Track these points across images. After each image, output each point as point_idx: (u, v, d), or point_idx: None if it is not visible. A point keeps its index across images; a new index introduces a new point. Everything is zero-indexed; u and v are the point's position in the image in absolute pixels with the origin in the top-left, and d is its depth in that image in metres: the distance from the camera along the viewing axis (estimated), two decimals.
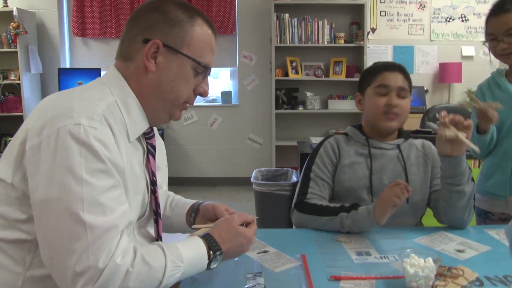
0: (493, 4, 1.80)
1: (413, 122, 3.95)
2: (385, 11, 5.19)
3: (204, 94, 1.16)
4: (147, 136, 1.14)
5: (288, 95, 5.11)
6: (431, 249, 1.40)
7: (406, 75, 1.71)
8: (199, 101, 5.50)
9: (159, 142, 1.26)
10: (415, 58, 5.26)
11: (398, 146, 1.74)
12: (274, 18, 4.83)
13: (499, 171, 1.84)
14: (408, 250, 1.20)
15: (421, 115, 4.09)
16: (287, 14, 4.86)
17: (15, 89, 5.07)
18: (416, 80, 5.26)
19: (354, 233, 1.53)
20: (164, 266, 0.97)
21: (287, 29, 4.89)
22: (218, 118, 5.37)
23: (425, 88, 5.26)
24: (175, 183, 5.44)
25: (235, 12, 5.22)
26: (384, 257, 1.35)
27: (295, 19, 4.88)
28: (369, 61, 5.06)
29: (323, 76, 5.05)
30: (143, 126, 1.11)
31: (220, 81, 5.76)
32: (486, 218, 1.92)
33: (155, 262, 0.96)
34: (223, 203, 1.33)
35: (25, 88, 5.03)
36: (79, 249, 0.88)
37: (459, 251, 1.39)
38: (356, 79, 4.93)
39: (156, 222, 1.18)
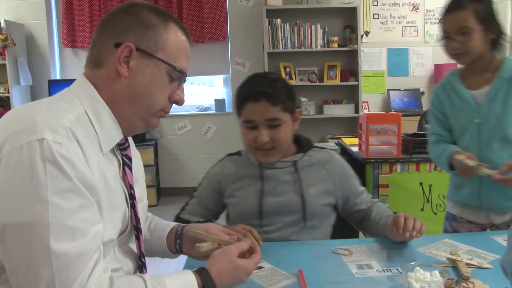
0: (448, 0, 1.72)
1: (410, 125, 3.89)
2: (378, 14, 5.14)
3: (179, 102, 1.09)
4: (122, 147, 1.07)
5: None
6: (436, 259, 1.32)
7: (275, 100, 1.47)
8: (192, 110, 5.43)
9: (135, 153, 1.18)
10: (410, 60, 5.21)
11: (294, 164, 1.61)
12: (266, 23, 4.76)
13: (468, 183, 1.76)
14: (413, 263, 1.11)
15: (418, 117, 4.03)
16: (279, 20, 4.80)
17: (5, 103, 4.97)
18: (411, 82, 5.22)
19: (353, 244, 1.45)
20: None
21: (280, 35, 4.82)
22: (212, 127, 5.29)
23: (421, 90, 5.20)
24: (169, 193, 5.36)
25: (227, 19, 5.16)
26: (386, 270, 1.27)
27: (287, 24, 4.82)
28: (363, 65, 5.01)
29: (317, 81, 4.99)
30: (117, 136, 1.03)
31: (214, 89, 5.68)
32: (453, 220, 1.88)
33: None
34: (208, 223, 1.26)
35: (15, 101, 4.93)
36: (46, 276, 0.81)
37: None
38: (352, 83, 4.89)
39: (137, 238, 1.10)
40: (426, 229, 1.39)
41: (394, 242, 1.45)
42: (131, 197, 1.07)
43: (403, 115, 2.93)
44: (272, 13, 4.82)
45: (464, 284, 1.11)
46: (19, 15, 5.13)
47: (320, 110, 5.12)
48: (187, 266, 1.30)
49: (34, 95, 5.25)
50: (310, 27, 4.83)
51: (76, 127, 0.90)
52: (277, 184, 1.58)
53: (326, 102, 5.10)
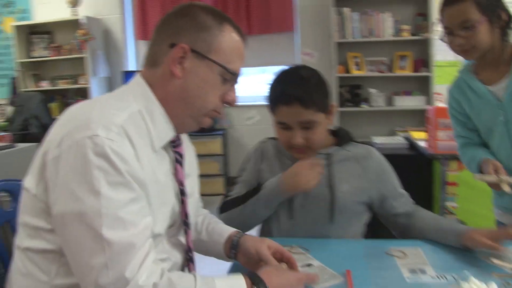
0: None
1: None
2: None
3: (232, 102, 1.10)
4: (174, 144, 1.11)
5: (351, 92, 4.93)
6: (499, 269, 1.22)
7: (308, 102, 1.41)
8: (260, 100, 5.45)
9: (188, 149, 1.22)
10: None
11: (328, 157, 1.54)
12: (334, 13, 4.67)
13: None
14: (466, 271, 1.05)
15: None
16: (347, 9, 4.68)
17: (84, 93, 5.29)
18: None
19: (408, 246, 1.40)
20: None
21: (348, 24, 4.70)
22: None
23: None
24: None
25: (294, 9, 5.11)
26: (441, 276, 1.21)
27: (356, 13, 4.69)
28: (437, 54, 4.77)
29: (387, 72, 4.82)
30: (169, 134, 1.07)
31: None
32: None
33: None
34: (263, 238, 1.27)
35: (94, 91, 5.24)
36: (97, 266, 0.86)
37: None
38: (424, 73, 4.68)
39: (186, 232, 1.14)
40: None
41: (453, 246, 1.38)
42: (182, 193, 1.11)
43: None
44: (341, 2, 4.71)
45: None
46: (97, 11, 5.41)
47: (390, 102, 4.95)
48: (235, 263, 1.32)
49: (110, 85, 5.54)
50: (380, 16, 4.66)
51: (129, 125, 0.95)
52: None
53: (396, 93, 4.93)
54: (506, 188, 1.43)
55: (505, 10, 1.52)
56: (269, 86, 1.52)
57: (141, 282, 0.87)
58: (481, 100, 1.62)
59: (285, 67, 1.54)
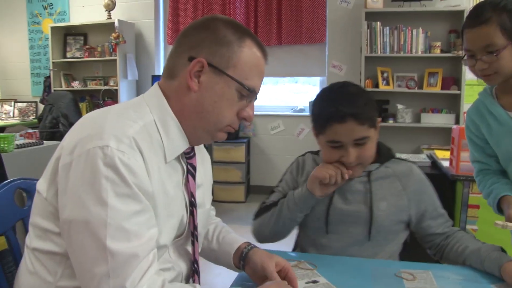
0: (469, 11, 1.46)
1: None
2: None
3: (248, 119, 1.09)
4: (187, 156, 1.11)
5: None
6: None
7: (362, 119, 1.39)
8: (286, 110, 5.45)
9: (205, 158, 1.24)
10: None
11: (369, 174, 1.52)
12: (364, 26, 4.64)
13: None
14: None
15: None
16: (378, 23, 4.64)
17: (113, 95, 5.40)
18: None
19: (419, 269, 1.37)
20: None
21: (378, 38, 4.66)
22: (305, 128, 5.27)
23: None
24: (258, 191, 5.46)
25: (325, 20, 5.11)
26: None
27: (387, 27, 4.64)
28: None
29: (416, 88, 4.75)
30: (182, 146, 1.07)
31: (309, 90, 5.66)
32: None
33: None
34: (272, 254, 1.26)
35: (122, 93, 5.34)
36: (99, 274, 0.87)
37: None
38: (453, 91, 4.59)
39: (193, 244, 1.14)
40: None
41: (468, 273, 1.34)
42: (191, 204, 1.12)
43: None
44: (372, 16, 4.68)
45: None
46: (131, 15, 5.53)
47: (417, 119, 4.88)
48: (240, 274, 1.32)
49: (139, 88, 5.63)
50: (411, 31, 4.61)
51: (140, 136, 0.96)
52: (348, 192, 1.53)
53: (424, 110, 4.85)
54: None
55: None
56: (315, 105, 1.49)
57: None
58: (501, 127, 1.56)
59: (328, 86, 1.52)
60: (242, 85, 1.03)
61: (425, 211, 1.53)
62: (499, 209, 1.55)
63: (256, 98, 1.10)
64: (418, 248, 1.62)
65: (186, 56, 1.03)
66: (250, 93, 1.05)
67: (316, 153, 1.65)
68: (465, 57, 1.50)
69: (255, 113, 1.12)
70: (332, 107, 1.40)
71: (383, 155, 1.57)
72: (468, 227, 2.62)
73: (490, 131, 1.60)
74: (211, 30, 1.03)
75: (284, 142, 5.33)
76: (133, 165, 0.91)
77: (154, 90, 1.07)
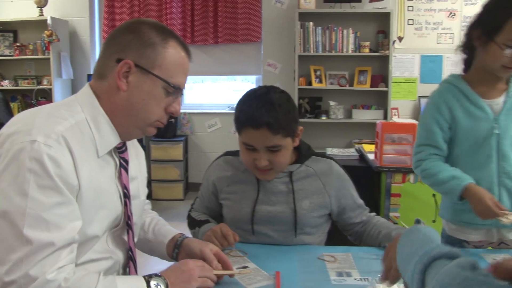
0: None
1: None
2: (413, 20, 5.09)
3: (175, 113, 1.19)
4: (119, 150, 1.18)
5: (311, 104, 5.07)
6: None
7: (276, 129, 1.42)
8: (223, 108, 5.54)
9: (139, 153, 1.32)
10: (443, 68, 5.12)
11: (290, 174, 1.60)
12: (298, 26, 4.81)
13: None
14: (380, 275, 1.16)
15: None
16: (311, 23, 4.84)
17: (47, 94, 5.25)
18: None
19: (339, 252, 1.51)
20: None
21: (311, 38, 4.86)
22: None
23: None
24: (196, 188, 5.39)
25: (261, 20, 5.24)
26: (364, 279, 1.32)
27: (320, 27, 4.85)
28: (395, 71, 4.98)
29: (347, 86, 5.00)
30: (113, 141, 1.14)
31: (247, 88, 5.77)
32: (460, 247, 1.68)
33: (85, 286, 0.98)
34: (207, 242, 1.36)
35: (56, 93, 5.20)
36: (13, 260, 0.92)
37: None
38: (382, 88, 4.87)
39: (128, 232, 1.22)
40: None
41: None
42: (125, 195, 1.19)
43: None
44: (305, 16, 4.87)
45: None
46: (64, 12, 5.39)
47: (348, 115, 5.13)
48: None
49: (74, 87, 5.51)
50: (342, 31, 4.84)
51: (70, 133, 1.03)
52: (271, 194, 1.60)
53: (355, 106, 5.11)
54: (506, 220, 1.49)
55: None
56: (237, 106, 1.52)
57: (50, 277, 0.93)
58: (479, 112, 1.64)
59: (254, 89, 1.55)
60: (168, 83, 1.12)
61: (346, 205, 1.65)
62: (460, 198, 1.60)
63: (182, 94, 1.20)
64: (340, 235, 1.76)
65: (114, 58, 1.10)
66: (175, 90, 1.15)
67: (235, 153, 1.70)
68: (502, 46, 1.54)
69: (192, 111, 1.21)
70: (250, 112, 1.45)
71: (303, 154, 1.64)
72: (391, 214, 2.84)
73: (466, 114, 1.65)
74: (137, 33, 1.11)
75: (221, 140, 5.40)
76: (59, 159, 0.97)
77: (86, 90, 1.14)
